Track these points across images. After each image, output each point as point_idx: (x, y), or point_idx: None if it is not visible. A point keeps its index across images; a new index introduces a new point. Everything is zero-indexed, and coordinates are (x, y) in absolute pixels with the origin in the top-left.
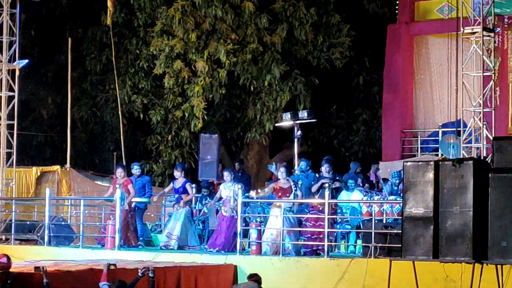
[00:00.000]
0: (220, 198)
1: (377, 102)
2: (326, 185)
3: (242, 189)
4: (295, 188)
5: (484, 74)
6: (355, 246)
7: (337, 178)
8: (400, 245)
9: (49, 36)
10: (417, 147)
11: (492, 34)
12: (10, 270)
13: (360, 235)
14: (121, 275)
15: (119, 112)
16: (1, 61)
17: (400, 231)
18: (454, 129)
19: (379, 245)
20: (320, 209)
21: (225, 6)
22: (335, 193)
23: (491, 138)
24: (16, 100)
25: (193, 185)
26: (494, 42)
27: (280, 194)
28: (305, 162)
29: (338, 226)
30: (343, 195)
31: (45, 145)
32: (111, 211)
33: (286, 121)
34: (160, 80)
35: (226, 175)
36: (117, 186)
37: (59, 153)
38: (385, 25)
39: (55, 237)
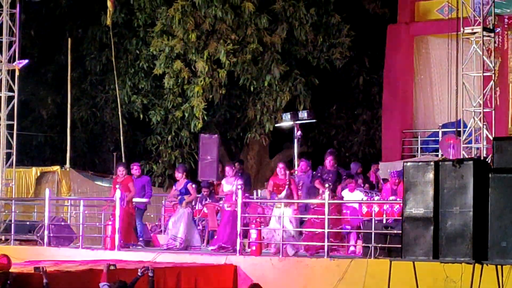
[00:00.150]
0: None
1: (377, 102)
2: (326, 185)
3: (241, 187)
4: (287, 186)
5: (484, 74)
6: (355, 247)
7: (344, 175)
8: (400, 246)
9: (49, 36)
10: (417, 148)
11: (492, 34)
12: (10, 270)
13: (360, 235)
14: (121, 275)
15: (119, 113)
16: (1, 61)
17: (400, 232)
18: (454, 129)
19: (379, 245)
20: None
21: (225, 6)
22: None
23: (491, 138)
24: (16, 100)
25: (194, 186)
26: (494, 42)
27: (274, 188)
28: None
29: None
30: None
31: (45, 145)
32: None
33: (286, 122)
34: (160, 80)
35: (228, 170)
36: (117, 186)
37: (59, 153)
38: (385, 25)
39: (55, 238)
